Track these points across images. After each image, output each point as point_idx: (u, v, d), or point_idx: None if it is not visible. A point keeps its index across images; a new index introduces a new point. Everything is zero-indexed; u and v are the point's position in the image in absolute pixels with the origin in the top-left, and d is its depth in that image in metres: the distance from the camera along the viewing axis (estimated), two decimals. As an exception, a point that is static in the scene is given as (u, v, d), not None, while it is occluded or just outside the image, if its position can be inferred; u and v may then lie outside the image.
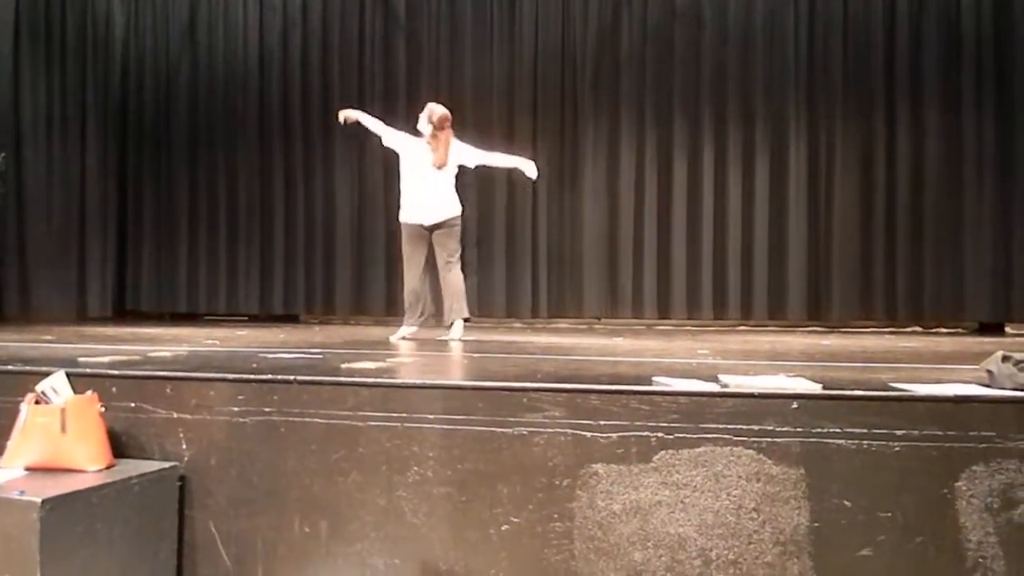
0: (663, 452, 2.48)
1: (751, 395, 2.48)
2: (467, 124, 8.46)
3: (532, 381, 2.70)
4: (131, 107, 9.45)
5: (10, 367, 3.21)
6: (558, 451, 2.55)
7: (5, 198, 8.89)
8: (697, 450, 2.47)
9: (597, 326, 7.88)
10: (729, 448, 2.46)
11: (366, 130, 8.64)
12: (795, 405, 2.44)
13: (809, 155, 7.75)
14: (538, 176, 5.71)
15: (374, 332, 6.86)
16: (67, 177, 8.96)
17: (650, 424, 2.51)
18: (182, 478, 2.82)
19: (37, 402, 2.72)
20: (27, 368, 3.14)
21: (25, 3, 8.84)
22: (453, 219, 5.59)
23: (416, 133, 5.59)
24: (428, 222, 5.55)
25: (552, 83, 8.30)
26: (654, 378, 2.76)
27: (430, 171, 5.54)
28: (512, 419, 2.59)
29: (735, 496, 2.44)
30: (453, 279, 5.56)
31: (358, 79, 8.76)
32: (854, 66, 7.70)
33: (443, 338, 5.49)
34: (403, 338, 5.58)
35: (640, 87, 8.10)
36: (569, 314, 8.14)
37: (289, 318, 8.87)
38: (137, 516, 2.62)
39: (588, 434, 2.53)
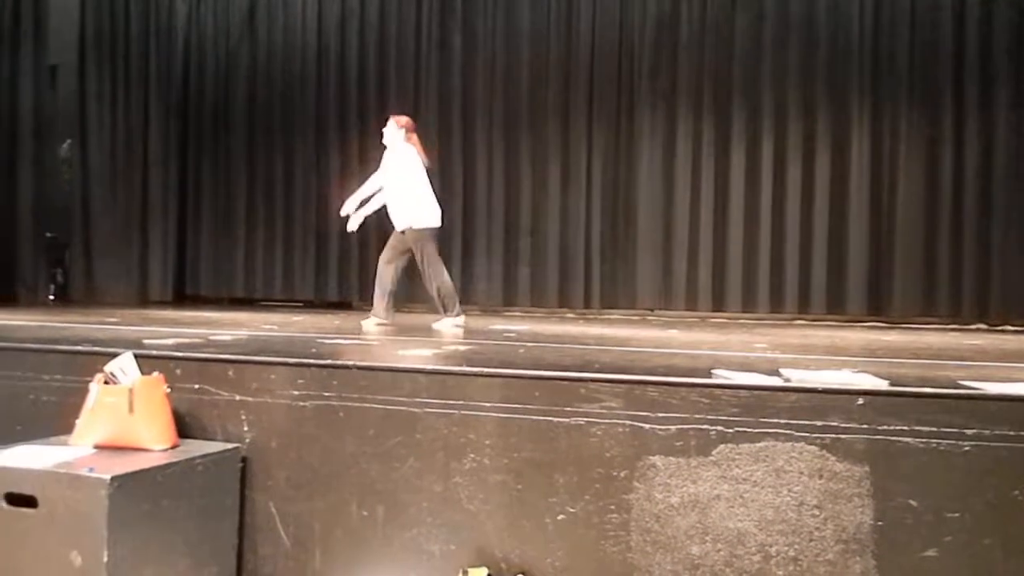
0: (723, 446, 2.45)
1: (815, 390, 2.43)
2: (522, 115, 8.46)
3: (589, 371, 2.69)
4: (192, 96, 9.63)
5: (80, 348, 3.30)
6: (615, 442, 2.53)
7: (71, 184, 9.14)
8: (758, 445, 2.43)
9: (650, 318, 7.82)
10: (791, 443, 2.41)
11: (416, 124, 8.73)
12: (860, 401, 2.39)
13: (872, 146, 7.56)
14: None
15: (427, 320, 6.89)
16: (130, 164, 9.17)
17: (709, 417, 2.47)
18: (244, 459, 2.87)
19: (106, 382, 2.79)
20: (96, 349, 3.22)
21: (91, -6, 9.06)
22: None
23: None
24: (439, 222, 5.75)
25: (609, 73, 8.23)
26: (713, 371, 2.73)
27: (425, 173, 5.75)
28: (569, 409, 2.58)
29: (796, 492, 2.40)
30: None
31: (414, 69, 8.80)
32: (920, 54, 7.49)
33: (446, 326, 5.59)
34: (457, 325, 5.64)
35: (698, 76, 7.98)
36: (622, 305, 8.08)
37: (342, 305, 8.97)
38: (200, 495, 2.68)
39: (646, 426, 2.51)
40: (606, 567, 2.50)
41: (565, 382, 2.60)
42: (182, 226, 9.56)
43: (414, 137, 5.75)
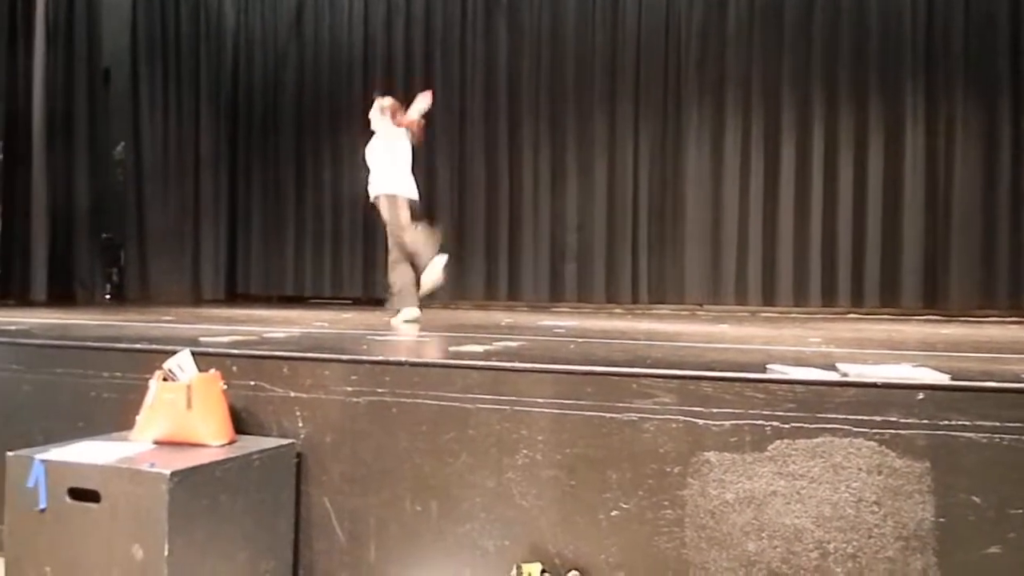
0: (779, 441, 2.42)
1: (873, 385, 2.39)
2: (568, 106, 8.44)
3: (641, 367, 2.67)
4: (241, 97, 9.79)
5: (139, 346, 3.37)
6: (669, 438, 2.51)
7: (125, 186, 9.34)
8: (815, 440, 2.39)
9: (699, 312, 7.75)
10: (849, 439, 2.37)
11: (463, 118, 8.79)
12: (921, 396, 2.34)
13: (927, 135, 7.39)
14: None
15: (475, 316, 6.92)
16: (182, 165, 9.36)
17: (765, 413, 2.44)
18: (299, 455, 2.90)
19: (165, 379, 2.85)
20: (155, 347, 3.29)
21: (142, -1, 9.25)
22: None
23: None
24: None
25: (655, 63, 8.17)
26: (768, 365, 2.69)
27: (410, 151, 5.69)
28: (622, 404, 2.56)
29: (855, 488, 2.36)
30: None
31: (459, 63, 8.84)
32: (976, 39, 7.30)
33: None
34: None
35: (747, 66, 7.89)
36: (670, 300, 8.03)
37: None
38: (257, 490, 2.71)
39: (700, 421, 2.49)
40: (660, 563, 2.48)
41: (617, 377, 2.58)
42: (233, 226, 9.73)
43: (399, 117, 5.68)
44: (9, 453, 2.65)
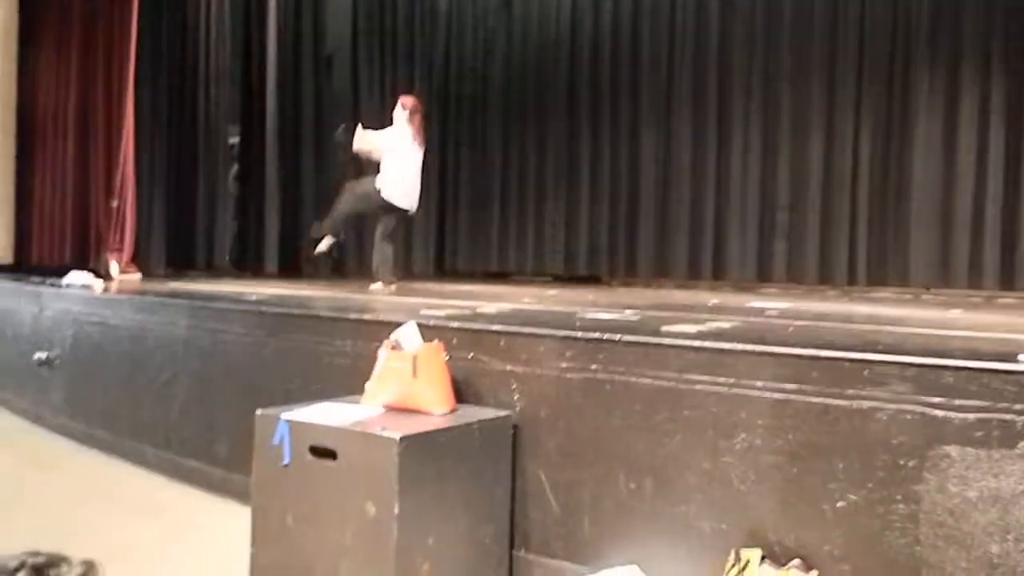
0: (1032, 439, 2.21)
1: None
2: (783, 77, 8.03)
3: (872, 352, 2.51)
4: (452, 77, 10.13)
5: (366, 317, 3.59)
6: (903, 429, 2.35)
7: (345, 166, 9.95)
8: (1076, 439, 2.16)
9: (925, 296, 7.18)
10: (1118, 439, 2.13)
11: (670, 94, 8.64)
12: None
13: None
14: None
15: (679, 296, 6.81)
16: (397, 145, 9.82)
17: (1016, 407, 2.23)
18: (514, 427, 2.98)
19: (393, 348, 3.02)
20: (380, 318, 3.49)
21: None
22: None
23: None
24: (412, 207, 6.24)
25: (882, 27, 7.55)
26: (1021, 356, 2.45)
27: (417, 154, 6.12)
28: (851, 391, 2.43)
29: (1124, 494, 2.12)
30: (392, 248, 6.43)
31: (668, 39, 8.67)
32: None
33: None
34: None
35: (987, 28, 7.14)
36: (892, 282, 7.48)
37: (592, 279, 9.07)
38: (477, 458, 2.82)
39: (940, 413, 2.31)
40: (890, 559, 2.34)
41: (847, 363, 2.45)
42: (442, 203, 10.11)
43: (416, 118, 6.18)
44: (258, 411, 2.90)
